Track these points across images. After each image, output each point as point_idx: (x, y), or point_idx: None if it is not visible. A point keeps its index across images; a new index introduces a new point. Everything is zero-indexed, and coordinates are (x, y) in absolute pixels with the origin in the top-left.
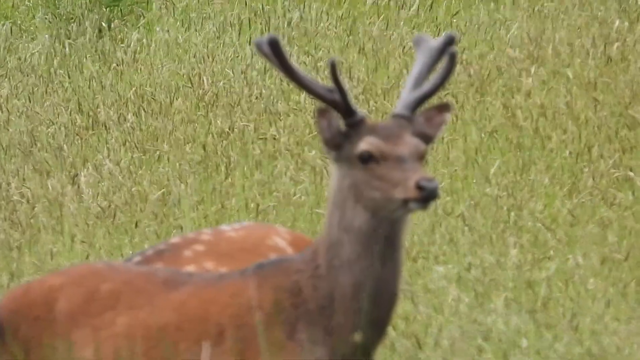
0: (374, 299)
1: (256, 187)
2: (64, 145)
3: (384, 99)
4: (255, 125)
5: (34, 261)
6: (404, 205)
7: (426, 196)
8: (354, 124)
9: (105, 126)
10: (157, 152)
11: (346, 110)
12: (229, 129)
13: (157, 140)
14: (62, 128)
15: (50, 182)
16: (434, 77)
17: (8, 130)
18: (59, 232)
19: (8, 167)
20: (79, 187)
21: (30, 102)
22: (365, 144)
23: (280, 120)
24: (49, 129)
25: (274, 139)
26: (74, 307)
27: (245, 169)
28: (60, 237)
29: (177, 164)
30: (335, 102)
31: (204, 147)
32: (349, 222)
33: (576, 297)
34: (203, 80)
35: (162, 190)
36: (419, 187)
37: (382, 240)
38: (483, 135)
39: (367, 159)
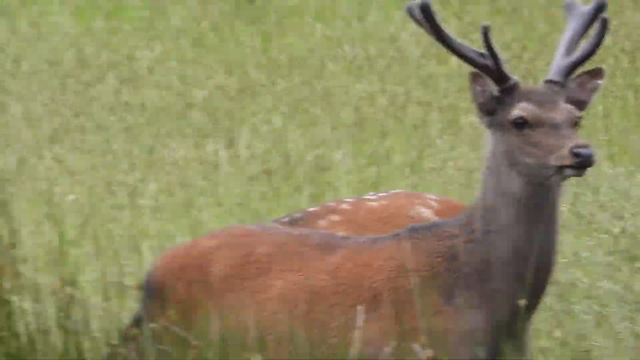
0: (532, 264)
1: (412, 151)
2: (218, 108)
3: (533, 64)
4: (408, 90)
5: (189, 224)
6: (559, 172)
7: (581, 163)
8: (508, 89)
9: (254, 91)
10: (312, 116)
11: (499, 76)
12: (382, 92)
13: (310, 104)
14: (217, 91)
15: (205, 145)
16: (585, 44)
17: (162, 92)
18: (214, 195)
19: (162, 130)
20: (234, 150)
21: (182, 64)
22: (520, 110)
23: (433, 85)
24: (202, 92)
25: (428, 103)
26: (229, 270)
27: (400, 133)
28: (216, 200)
29: (332, 128)
30: (488, 67)
31: (358, 111)
32: (504, 188)
33: None
34: (353, 44)
35: (317, 152)
36: (574, 154)
37: (539, 205)
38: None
39: (521, 125)
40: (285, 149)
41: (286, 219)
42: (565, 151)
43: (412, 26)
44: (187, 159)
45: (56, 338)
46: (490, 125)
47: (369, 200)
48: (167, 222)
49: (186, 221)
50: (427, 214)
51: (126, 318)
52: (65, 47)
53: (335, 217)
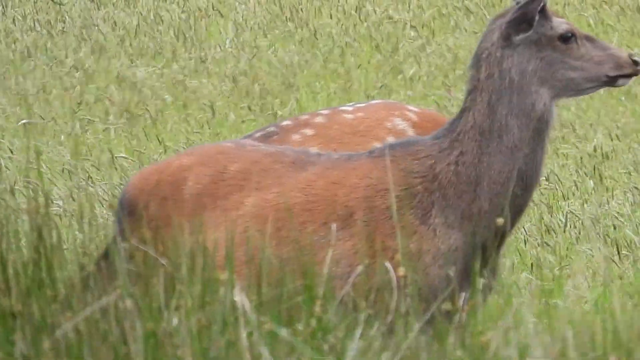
0: (524, 184)
1: (381, 68)
2: (188, 26)
3: None
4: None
5: (161, 140)
6: (612, 82)
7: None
8: (541, 8)
9: (221, 11)
10: (286, 32)
11: None
12: (356, 12)
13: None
14: (186, 9)
15: (176, 63)
16: None
17: (133, 10)
18: (185, 112)
19: (132, 50)
20: (206, 67)
21: None
22: (566, 25)
23: (406, 3)
24: (170, 11)
25: (395, 21)
26: (202, 188)
27: (367, 50)
28: (187, 117)
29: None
30: None
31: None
32: (527, 107)
33: None
34: None
35: (287, 70)
36: (635, 62)
37: (549, 124)
38: None
39: (568, 39)
40: (257, 66)
41: (259, 134)
42: (627, 60)
43: None
44: (158, 76)
45: (28, 258)
46: (518, 44)
47: (345, 112)
48: (138, 139)
49: (157, 136)
50: (403, 126)
51: (99, 237)
52: None
53: (308, 131)
